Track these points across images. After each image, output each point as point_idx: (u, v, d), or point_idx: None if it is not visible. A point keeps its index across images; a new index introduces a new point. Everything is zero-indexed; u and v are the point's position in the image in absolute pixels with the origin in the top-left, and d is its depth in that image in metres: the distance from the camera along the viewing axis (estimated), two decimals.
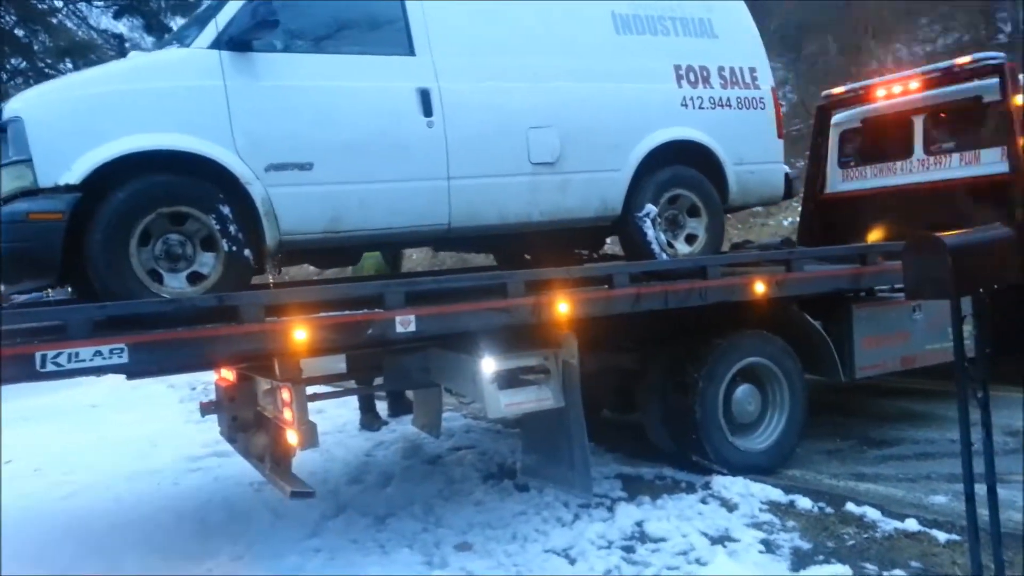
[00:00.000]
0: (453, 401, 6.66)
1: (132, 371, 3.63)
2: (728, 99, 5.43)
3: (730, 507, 4.52)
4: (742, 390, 5.12)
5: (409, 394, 6.58)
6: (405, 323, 3.95)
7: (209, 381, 9.94)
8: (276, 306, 3.88)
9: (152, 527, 4.97)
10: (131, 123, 3.80)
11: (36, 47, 11.93)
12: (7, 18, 11.77)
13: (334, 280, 6.64)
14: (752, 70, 5.59)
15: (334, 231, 4.25)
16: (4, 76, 12.08)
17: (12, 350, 3.30)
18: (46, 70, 12.02)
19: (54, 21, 11.76)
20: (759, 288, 5.02)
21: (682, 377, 4.98)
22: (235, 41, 4.02)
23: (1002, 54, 6.93)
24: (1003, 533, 3.29)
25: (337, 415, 7.44)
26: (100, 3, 12.01)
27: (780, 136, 5.73)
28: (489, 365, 4.19)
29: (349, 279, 6.60)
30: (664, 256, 5.10)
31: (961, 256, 3.02)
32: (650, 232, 5.08)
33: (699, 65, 5.35)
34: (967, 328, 3.91)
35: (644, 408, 5.35)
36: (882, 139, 7.74)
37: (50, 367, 3.30)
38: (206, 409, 5.14)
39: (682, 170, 5.24)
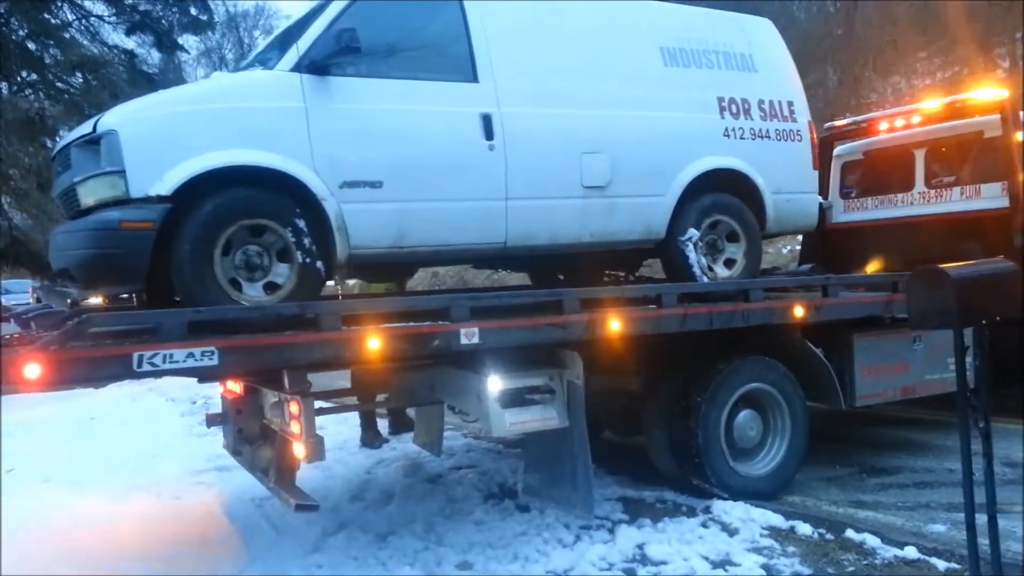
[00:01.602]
0: (454, 420, 6.67)
1: (220, 373, 3.83)
2: (767, 130, 5.64)
3: (731, 531, 4.54)
4: (744, 415, 5.17)
5: (410, 412, 6.61)
6: (469, 335, 4.15)
7: (210, 395, 10.02)
8: (350, 316, 4.12)
9: (154, 540, 4.98)
10: (218, 139, 4.01)
11: (48, 60, 12.04)
12: (20, 31, 11.91)
13: (395, 294, 6.88)
14: (790, 103, 5.80)
15: (398, 246, 4.44)
16: (15, 87, 12.21)
17: (113, 351, 3.51)
18: (57, 83, 12.15)
19: (66, 36, 11.88)
20: (799, 312, 5.24)
21: (685, 401, 5.03)
22: (315, 65, 4.24)
23: (1004, 90, 7.02)
24: (1003, 563, 3.34)
25: (338, 432, 7.45)
26: (112, 19, 12.15)
27: (815, 167, 5.93)
28: (495, 383, 4.24)
29: (407, 293, 6.77)
30: (704, 279, 5.25)
31: (965, 288, 3.09)
32: (692, 256, 5.23)
33: (740, 97, 5.56)
34: (968, 359, 3.97)
35: (647, 431, 5.39)
36: (884, 171, 7.84)
37: (146, 367, 3.49)
38: (212, 421, 5.18)
39: (723, 197, 5.42)
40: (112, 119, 3.96)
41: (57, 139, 12.12)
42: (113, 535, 5.12)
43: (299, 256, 4.11)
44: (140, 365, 3.48)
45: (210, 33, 17.58)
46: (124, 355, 3.48)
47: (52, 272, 4.55)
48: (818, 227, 6.26)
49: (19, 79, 12.20)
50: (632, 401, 5.48)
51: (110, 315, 4.23)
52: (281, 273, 4.12)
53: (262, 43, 5.44)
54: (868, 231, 7.74)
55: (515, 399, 4.34)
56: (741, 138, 5.52)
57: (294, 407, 3.89)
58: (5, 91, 11.63)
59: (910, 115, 7.54)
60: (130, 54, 12.68)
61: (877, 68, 22.76)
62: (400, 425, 7.37)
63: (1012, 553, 4.10)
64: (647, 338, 4.80)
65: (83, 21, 12.19)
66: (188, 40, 14.25)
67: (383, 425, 7.49)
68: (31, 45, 12.03)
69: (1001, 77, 18.71)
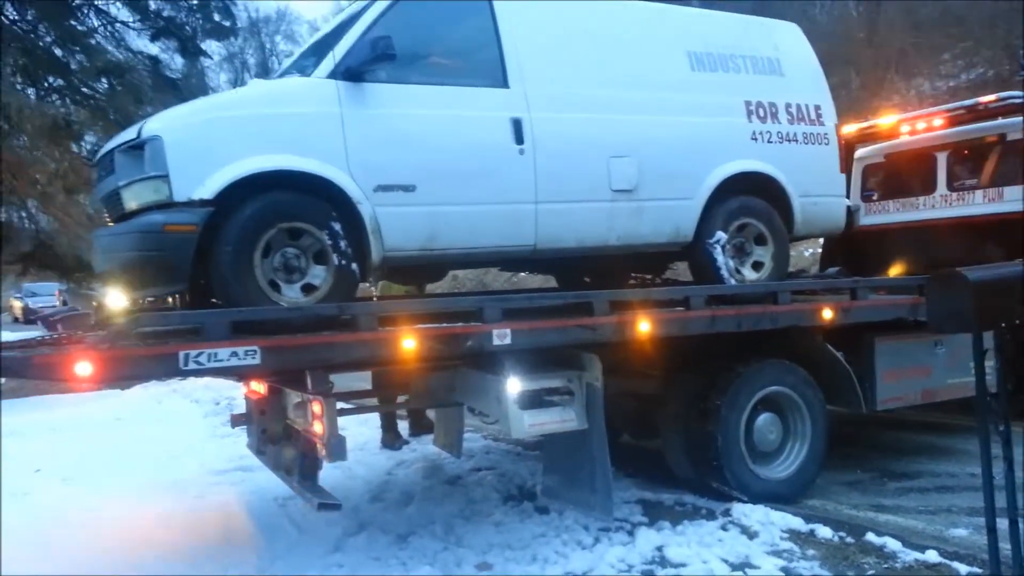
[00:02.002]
0: (474, 422, 6.71)
1: (261, 371, 3.94)
2: (795, 134, 5.66)
3: (750, 534, 4.54)
4: (763, 419, 5.17)
5: (430, 414, 6.66)
6: (502, 336, 4.23)
7: (233, 397, 10.13)
8: (385, 317, 4.24)
9: (177, 538, 5.05)
10: (258, 145, 4.11)
11: (73, 66, 12.23)
12: (47, 37, 12.12)
13: (416, 296, 6.95)
14: (817, 107, 5.82)
15: (430, 249, 4.54)
16: (41, 93, 12.42)
17: (160, 349, 3.66)
18: (82, 88, 12.34)
19: (92, 42, 12.07)
20: (827, 314, 5.27)
21: (704, 404, 5.03)
22: (351, 72, 4.33)
23: None
24: None
25: (358, 433, 7.51)
26: (137, 25, 12.33)
27: (842, 170, 5.94)
28: (514, 385, 4.28)
29: (427, 295, 6.86)
30: (732, 281, 5.28)
31: (983, 291, 3.09)
32: (720, 258, 5.27)
33: (768, 101, 5.60)
34: (989, 363, 3.94)
35: (665, 434, 5.39)
36: (905, 174, 7.81)
37: (192, 365, 3.62)
38: (237, 421, 5.27)
39: (751, 200, 5.45)
40: (156, 125, 4.08)
41: (83, 144, 12.34)
42: (136, 533, 5.19)
43: (335, 258, 4.21)
44: (186, 363, 3.61)
45: (233, 39, 17.77)
46: (171, 354, 3.62)
47: (95, 274, 4.70)
48: (846, 230, 6.25)
49: (46, 84, 12.40)
50: (650, 404, 5.49)
51: (158, 315, 4.36)
52: (318, 275, 4.22)
53: (297, 50, 5.56)
54: (889, 234, 7.71)
55: (534, 401, 4.38)
56: (768, 142, 5.55)
57: (317, 407, 3.95)
58: (32, 97, 11.83)
59: (932, 118, 7.51)
60: (154, 60, 12.85)
61: (900, 70, 22.60)
62: (420, 427, 7.42)
63: None
64: (666, 341, 4.83)
65: (108, 27, 12.37)
66: (211, 46, 14.40)
67: (403, 427, 7.54)
68: (58, 51, 12.23)
69: None
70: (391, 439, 7.30)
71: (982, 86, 16.99)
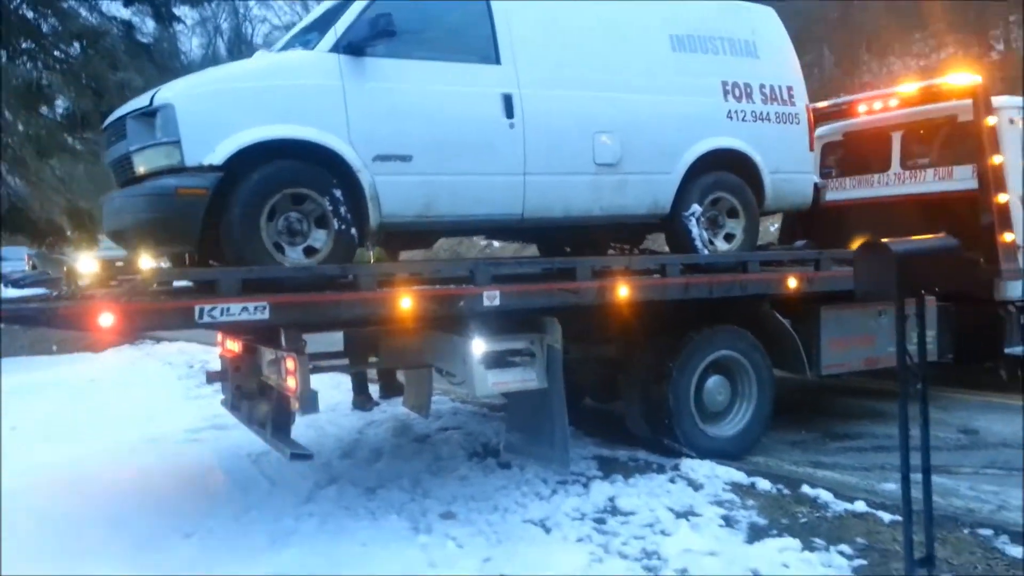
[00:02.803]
0: (442, 385, 6.96)
1: (269, 325, 4.19)
2: (768, 113, 5.93)
3: (696, 486, 4.87)
4: (713, 381, 5.51)
5: (400, 377, 6.90)
6: (491, 298, 4.56)
7: (206, 360, 10.32)
8: (385, 278, 4.57)
9: (155, 490, 5.28)
10: (265, 114, 4.33)
11: (46, 29, 12.10)
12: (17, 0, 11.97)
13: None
14: (789, 88, 6.09)
15: (425, 216, 4.80)
16: (12, 56, 12.28)
17: (178, 303, 3.97)
18: (55, 51, 12.23)
19: (64, 6, 11.94)
20: (792, 283, 5.64)
21: (659, 367, 5.34)
22: (352, 46, 4.55)
23: (977, 76, 7.26)
24: (940, 515, 3.68)
25: (330, 396, 7.72)
26: None
27: (812, 149, 6.24)
28: (479, 346, 4.54)
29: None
30: (705, 252, 5.59)
31: (906, 262, 3.35)
32: (695, 230, 5.56)
33: (743, 82, 5.86)
34: (931, 333, 4.20)
35: (623, 395, 5.71)
36: (862, 153, 8.11)
37: (206, 318, 3.91)
38: (212, 378, 5.50)
39: (725, 175, 5.74)
40: (168, 94, 4.29)
41: (55, 108, 12.27)
42: (114, 487, 5.40)
43: (335, 223, 4.47)
44: (201, 316, 3.90)
45: (206, 3, 17.58)
46: (187, 307, 3.91)
47: (104, 233, 4.96)
48: (813, 205, 6.55)
49: (17, 47, 12.27)
50: (610, 368, 5.79)
51: (175, 271, 4.66)
52: (319, 238, 4.47)
53: (299, 24, 5.72)
54: (845, 210, 8.01)
55: (498, 361, 4.64)
56: (743, 120, 5.82)
57: (290, 363, 4.18)
58: (4, 59, 11.72)
59: (888, 98, 7.80)
60: (127, 24, 12.74)
61: (872, 50, 22.89)
62: (390, 390, 7.67)
63: (954, 508, 4.45)
64: (626, 308, 5.11)
65: None
66: (183, 11, 14.24)
67: (374, 390, 7.79)
68: (29, 14, 12.09)
69: (995, 59, 18.93)
70: (362, 401, 7.55)
71: (953, 65, 17.29)
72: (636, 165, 5.35)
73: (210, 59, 44.52)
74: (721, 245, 5.74)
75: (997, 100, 7.26)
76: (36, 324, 4.36)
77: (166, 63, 14.53)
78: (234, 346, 5.01)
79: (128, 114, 4.45)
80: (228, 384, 5.27)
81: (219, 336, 5.58)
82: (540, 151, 5.01)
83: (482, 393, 4.74)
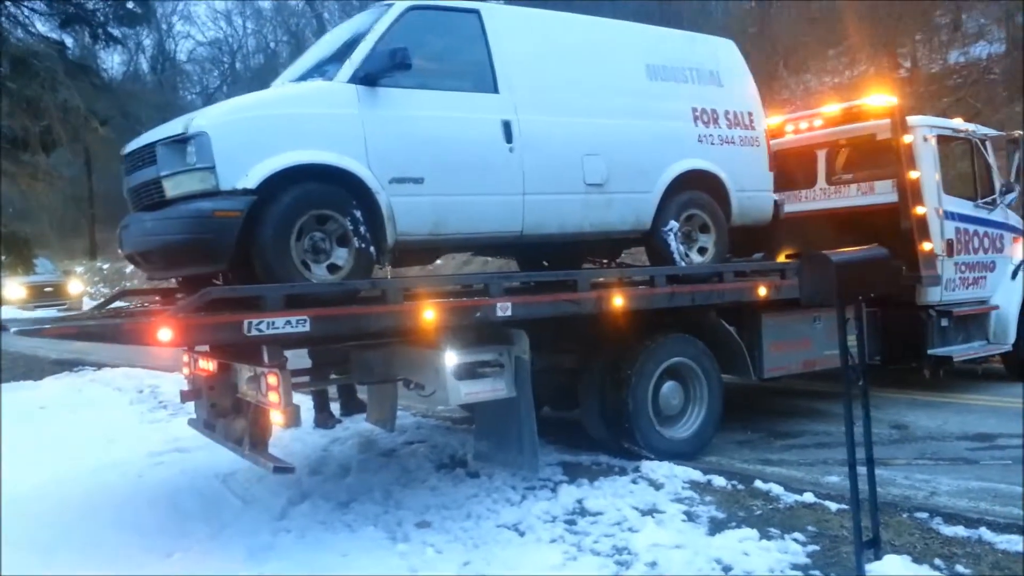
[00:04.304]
0: (403, 400, 7.11)
1: (309, 338, 4.51)
2: (733, 137, 6.46)
3: (657, 486, 5.17)
4: (668, 386, 5.84)
5: (361, 395, 7.03)
6: (504, 308, 4.93)
7: (155, 384, 10.21)
8: (408, 292, 4.91)
9: (124, 511, 5.24)
10: (294, 141, 4.63)
11: None
12: None
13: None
14: (750, 113, 6.63)
15: (436, 233, 5.15)
16: None
17: (229, 318, 4.21)
18: None
19: None
20: (762, 291, 6.13)
21: (617, 374, 5.64)
22: (368, 77, 4.88)
23: (894, 98, 7.85)
24: (881, 502, 4.05)
25: None
26: (45, 11, 11.98)
27: (771, 169, 6.76)
28: (451, 358, 4.76)
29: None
30: (682, 264, 6.03)
31: (844, 270, 3.73)
32: (673, 244, 6.03)
33: (711, 108, 6.37)
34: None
35: (583, 402, 5.98)
36: (790, 169, 8.58)
37: (253, 332, 4.15)
38: (186, 397, 5.54)
39: (697, 194, 6.22)
40: (203, 121, 4.53)
41: None
42: (84, 512, 5.30)
43: (356, 241, 4.77)
44: (249, 330, 4.12)
45: (146, 25, 17.30)
46: (237, 322, 4.15)
47: (122, 255, 5.23)
48: (772, 220, 7.01)
49: None
50: (569, 377, 6.06)
51: (226, 288, 4.82)
52: (341, 256, 4.76)
53: (308, 53, 5.98)
54: (777, 224, 8.49)
55: (469, 372, 4.87)
56: (712, 144, 6.32)
57: (272, 379, 4.31)
58: None
59: (812, 118, 8.34)
60: (61, 45, 12.51)
61: (789, 66, 23.92)
62: (351, 407, 7.76)
63: (891, 495, 4.86)
64: (585, 318, 5.44)
65: (18, 6, 11.90)
66: (124, 33, 14.03)
67: (335, 408, 7.87)
68: None
69: (903, 76, 20.06)
70: (324, 419, 7.61)
71: (865, 81, 18.25)
72: (621, 185, 5.79)
73: (131, 76, 43.63)
74: (695, 257, 6.22)
75: (912, 119, 7.86)
76: (101, 340, 4.56)
77: (104, 84, 14.29)
78: (208, 365, 5.10)
79: (158, 141, 4.67)
80: (202, 402, 5.34)
81: (185, 357, 5.65)
82: (537, 173, 5.40)
83: (455, 402, 4.96)
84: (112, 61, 39.90)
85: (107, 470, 6.32)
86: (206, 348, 5.13)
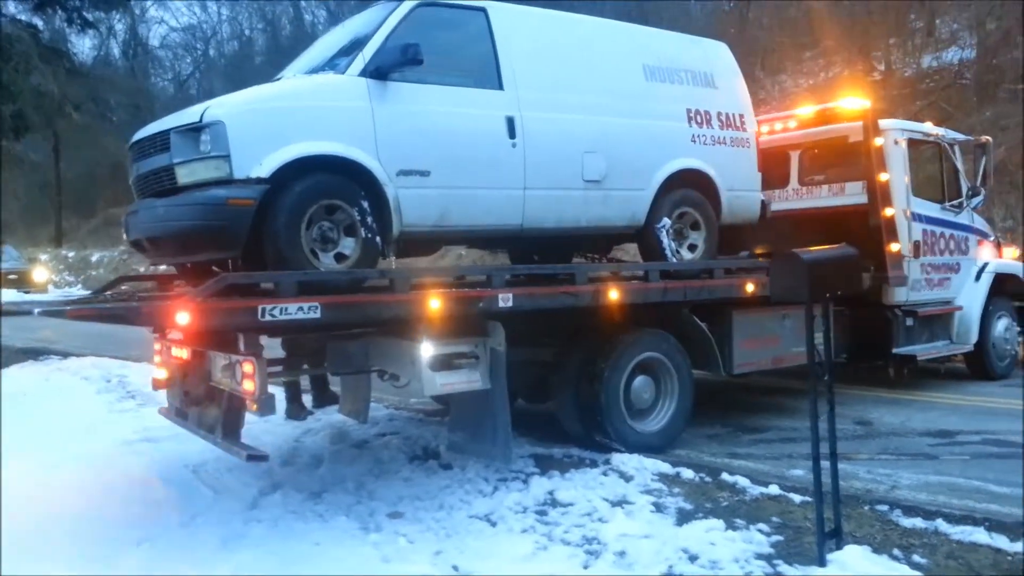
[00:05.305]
0: (376, 392, 7.13)
1: (319, 324, 4.57)
2: (724, 138, 6.63)
3: (627, 478, 5.26)
4: (640, 380, 5.92)
5: (334, 387, 7.04)
6: (505, 300, 5.06)
7: (122, 374, 10.11)
8: (414, 281, 5.03)
9: (95, 501, 5.22)
10: (306, 132, 4.71)
11: None
12: None
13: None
14: (741, 116, 6.81)
15: (440, 225, 5.26)
16: None
17: (244, 303, 4.31)
18: None
19: None
20: (750, 288, 6.27)
21: (591, 367, 5.72)
22: (379, 71, 4.98)
23: (867, 101, 7.98)
24: (843, 495, 4.16)
25: None
26: None
27: (759, 170, 6.91)
28: (427, 349, 4.81)
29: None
30: (674, 260, 6.16)
31: (814, 269, 3.83)
32: (665, 240, 6.17)
33: (703, 109, 6.53)
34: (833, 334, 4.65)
35: (556, 395, 6.05)
36: (764, 170, 8.70)
37: (267, 317, 4.26)
38: (158, 385, 5.52)
39: (690, 192, 6.38)
40: (219, 111, 4.60)
41: None
42: (53, 500, 5.27)
43: (363, 232, 4.85)
44: (263, 315, 4.23)
45: (122, 11, 17.03)
46: (252, 307, 4.25)
47: (130, 242, 5.24)
48: (760, 219, 7.13)
49: None
50: (544, 370, 6.12)
51: (242, 274, 4.82)
52: (348, 245, 4.85)
53: (320, 49, 5.95)
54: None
55: (444, 363, 4.92)
56: (704, 144, 6.47)
57: (248, 367, 4.33)
58: None
59: (786, 120, 8.47)
60: (33, 28, 12.30)
61: (766, 67, 24.21)
62: (323, 399, 7.75)
63: (854, 489, 4.98)
64: (561, 313, 5.51)
65: None
66: (99, 17, 13.80)
67: (306, 399, 7.86)
68: None
69: (877, 79, 20.37)
70: (296, 410, 7.59)
71: (840, 82, 18.52)
72: (617, 182, 5.94)
73: (102, 60, 42.95)
74: (686, 254, 6.36)
75: (884, 123, 8.02)
76: (121, 322, 4.71)
77: (76, 68, 14.07)
78: (181, 352, 5.09)
79: (171, 129, 4.72)
80: (174, 391, 5.33)
81: (157, 345, 5.63)
82: (538, 168, 5.53)
83: (431, 393, 5.01)
84: (83, 45, 39.22)
85: (75, 460, 6.25)
86: (179, 335, 5.11)
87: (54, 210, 38.88)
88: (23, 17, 12.41)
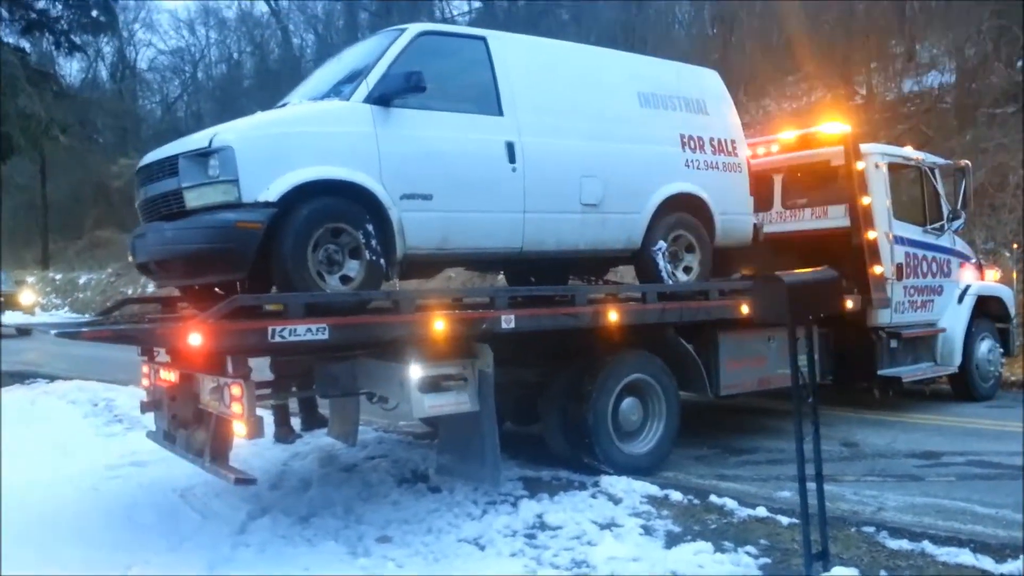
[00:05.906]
0: (365, 415, 7.12)
1: (327, 345, 4.65)
2: (717, 163, 6.78)
3: (616, 500, 5.27)
4: (628, 402, 5.96)
5: (323, 410, 7.03)
6: (508, 320, 5.17)
7: (109, 397, 10.05)
8: (419, 303, 5.10)
9: (83, 526, 5.16)
10: (313, 156, 4.82)
11: None
12: None
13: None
14: (733, 141, 6.97)
15: (442, 248, 5.37)
16: None
17: (255, 324, 4.41)
18: None
19: None
20: (744, 309, 6.32)
21: (579, 389, 5.75)
22: (383, 98, 5.09)
23: (848, 125, 8.11)
24: (830, 517, 4.19)
25: None
26: (7, 17, 11.78)
27: (751, 194, 7.06)
28: (416, 371, 4.84)
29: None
30: (669, 282, 6.30)
31: (796, 291, 3.89)
32: (661, 263, 6.30)
33: (697, 135, 6.68)
34: (816, 357, 4.73)
35: (544, 416, 6.08)
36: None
37: (277, 338, 4.33)
38: (146, 408, 5.51)
39: (684, 216, 6.51)
40: (228, 136, 4.70)
41: None
42: (40, 524, 5.21)
43: (367, 254, 4.95)
44: (272, 337, 4.30)
45: (111, 34, 17.08)
46: (263, 328, 4.34)
47: (137, 264, 5.30)
48: (752, 241, 7.21)
49: None
50: (531, 392, 6.16)
51: (253, 296, 4.92)
52: (353, 268, 4.95)
53: (323, 76, 6.04)
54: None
55: (433, 385, 4.95)
56: (698, 168, 6.62)
57: (236, 390, 4.35)
58: None
59: (769, 144, 8.58)
60: (21, 51, 12.33)
61: (749, 92, 24.49)
62: (311, 421, 7.73)
63: (841, 510, 5.02)
64: (548, 335, 5.55)
65: None
66: (87, 40, 13.86)
67: (295, 423, 7.83)
68: None
69: (858, 103, 20.64)
70: (284, 433, 7.55)
71: (823, 107, 18.72)
72: (614, 205, 6.07)
73: (89, 83, 42.97)
74: (681, 276, 6.48)
75: (865, 147, 8.14)
76: (135, 344, 4.87)
77: (63, 90, 14.09)
78: (170, 375, 5.09)
79: (180, 154, 4.82)
80: (162, 414, 5.32)
81: (145, 368, 5.62)
82: (537, 192, 5.64)
83: (419, 415, 5.02)
84: (71, 68, 39.31)
85: (62, 484, 6.20)
86: (168, 358, 5.13)
87: (40, 232, 38.71)
88: (11, 40, 12.50)
